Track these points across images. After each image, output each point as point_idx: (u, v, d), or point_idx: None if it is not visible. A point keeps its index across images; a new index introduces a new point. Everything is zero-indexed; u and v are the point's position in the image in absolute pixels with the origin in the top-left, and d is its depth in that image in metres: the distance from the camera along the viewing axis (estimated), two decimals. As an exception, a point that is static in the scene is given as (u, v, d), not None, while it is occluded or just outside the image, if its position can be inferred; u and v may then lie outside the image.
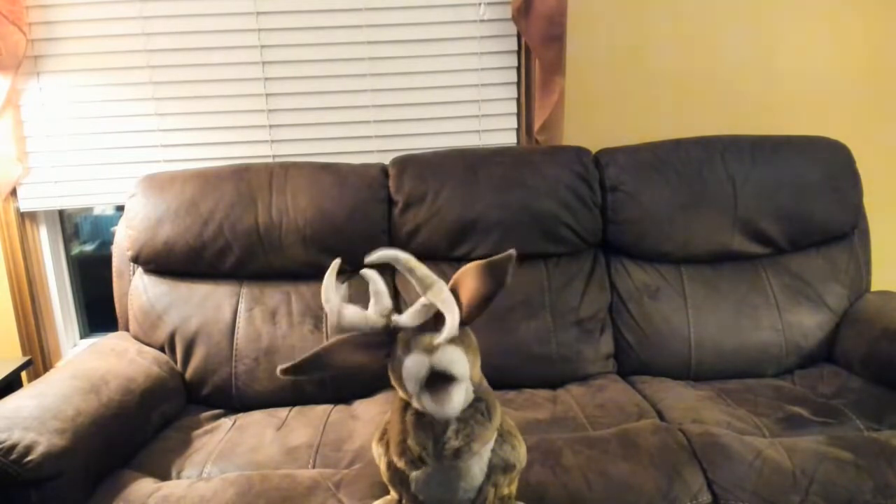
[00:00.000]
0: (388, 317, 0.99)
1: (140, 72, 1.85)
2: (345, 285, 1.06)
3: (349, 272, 1.30)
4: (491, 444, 1.00)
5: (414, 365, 0.91)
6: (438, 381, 0.91)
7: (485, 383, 1.04)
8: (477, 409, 0.98)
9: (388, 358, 1.00)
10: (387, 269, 1.64)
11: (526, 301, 1.66)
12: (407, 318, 0.98)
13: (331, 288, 1.02)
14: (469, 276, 0.99)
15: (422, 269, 1.02)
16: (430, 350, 0.91)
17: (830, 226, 1.74)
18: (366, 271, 1.03)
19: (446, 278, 1.01)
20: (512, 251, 0.97)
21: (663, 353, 1.67)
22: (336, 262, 1.07)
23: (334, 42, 1.87)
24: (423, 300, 0.98)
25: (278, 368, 1.00)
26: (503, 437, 1.03)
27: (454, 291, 1.00)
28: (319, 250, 1.66)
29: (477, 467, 0.99)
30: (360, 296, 1.08)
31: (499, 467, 1.01)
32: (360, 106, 1.92)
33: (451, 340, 0.94)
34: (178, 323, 1.63)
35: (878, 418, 1.36)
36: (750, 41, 1.96)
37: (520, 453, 1.04)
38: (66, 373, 1.37)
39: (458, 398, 0.92)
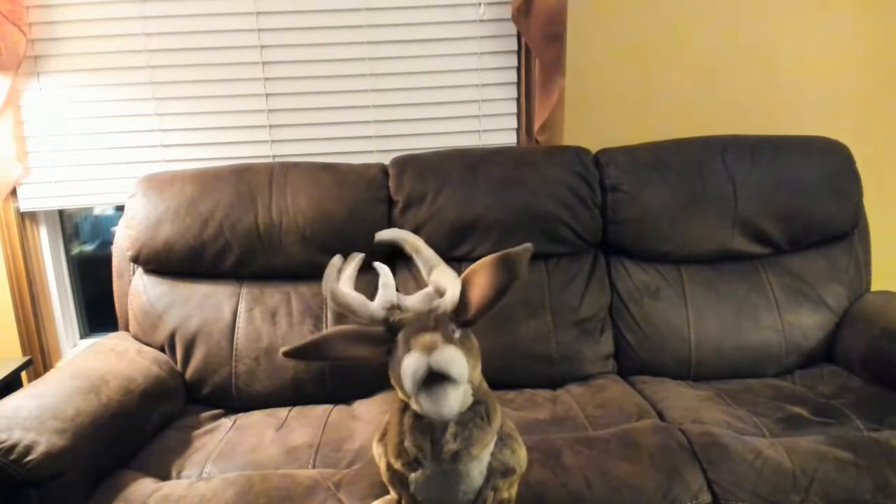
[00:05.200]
0: (389, 310, 0.99)
1: (140, 72, 1.85)
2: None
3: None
4: (490, 448, 1.00)
5: (412, 364, 0.91)
6: (436, 382, 0.91)
7: (485, 386, 1.04)
8: (476, 412, 0.98)
9: (388, 355, 1.00)
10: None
11: (526, 301, 1.66)
12: (412, 301, 0.98)
13: (334, 271, 1.03)
14: (482, 270, 0.99)
15: (428, 250, 1.03)
16: (429, 350, 0.91)
17: (830, 226, 1.74)
18: (377, 264, 1.04)
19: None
20: (529, 245, 0.97)
21: (663, 353, 1.67)
22: (361, 256, 1.08)
23: (334, 42, 1.87)
24: (428, 288, 0.99)
25: (281, 350, 1.02)
26: (503, 440, 1.02)
27: (465, 286, 0.99)
28: (319, 250, 1.65)
29: (476, 470, 0.99)
30: (365, 293, 1.09)
31: (498, 471, 1.00)
32: (360, 106, 1.92)
33: (451, 342, 0.94)
34: (178, 323, 1.63)
35: (878, 418, 1.36)
36: (750, 41, 1.96)
37: (520, 457, 1.04)
38: (65, 373, 1.37)
39: (455, 400, 0.92)
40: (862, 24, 1.96)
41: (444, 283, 0.98)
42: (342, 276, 1.04)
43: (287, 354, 1.02)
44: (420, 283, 1.22)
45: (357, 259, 1.08)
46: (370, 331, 1.01)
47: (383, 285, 1.01)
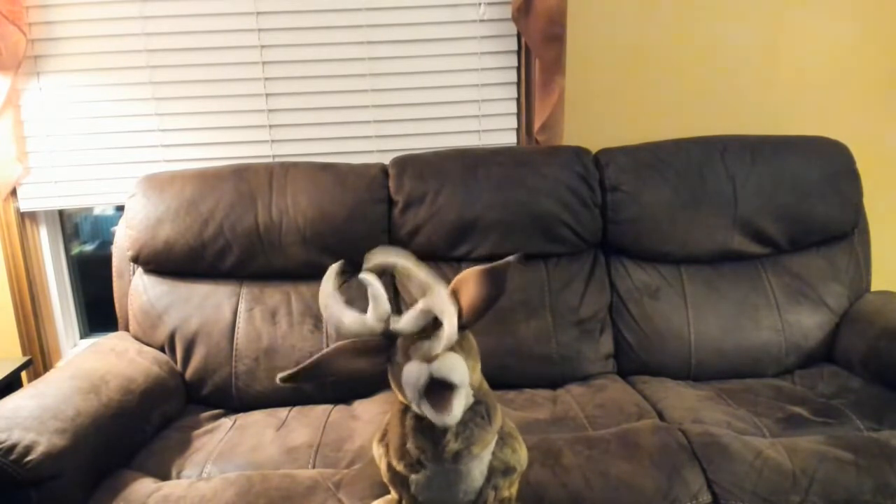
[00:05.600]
0: (386, 321, 0.99)
1: (140, 72, 1.85)
2: (342, 287, 1.06)
3: (350, 273, 1.29)
4: (491, 447, 1.00)
5: (413, 373, 0.90)
6: (438, 388, 0.90)
7: (485, 385, 1.04)
8: (477, 412, 0.98)
9: (388, 363, 1.00)
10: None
11: (526, 301, 1.66)
12: (405, 323, 0.98)
13: (329, 294, 1.02)
14: (470, 282, 0.99)
15: (420, 274, 1.02)
16: (430, 358, 0.91)
17: (830, 226, 1.74)
18: (363, 276, 1.02)
19: (446, 279, 1.01)
20: (511, 258, 0.97)
21: (663, 353, 1.67)
22: (334, 267, 1.06)
23: (334, 42, 1.87)
24: (421, 305, 0.98)
25: (278, 377, 0.98)
26: (503, 439, 1.02)
27: (454, 295, 0.99)
28: (319, 250, 1.66)
29: (477, 470, 0.99)
30: (360, 297, 1.08)
31: (499, 470, 1.00)
32: (360, 106, 1.92)
33: (451, 347, 0.94)
34: (178, 323, 1.63)
35: (878, 418, 1.36)
36: (750, 41, 1.96)
37: (520, 456, 1.04)
38: (65, 373, 1.37)
39: (459, 406, 0.92)
40: (862, 24, 1.96)
41: (438, 310, 0.95)
42: (335, 304, 1.02)
43: (285, 380, 0.98)
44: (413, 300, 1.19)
45: (334, 271, 1.05)
46: (368, 343, 1.00)
47: (373, 297, 0.99)
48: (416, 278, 1.02)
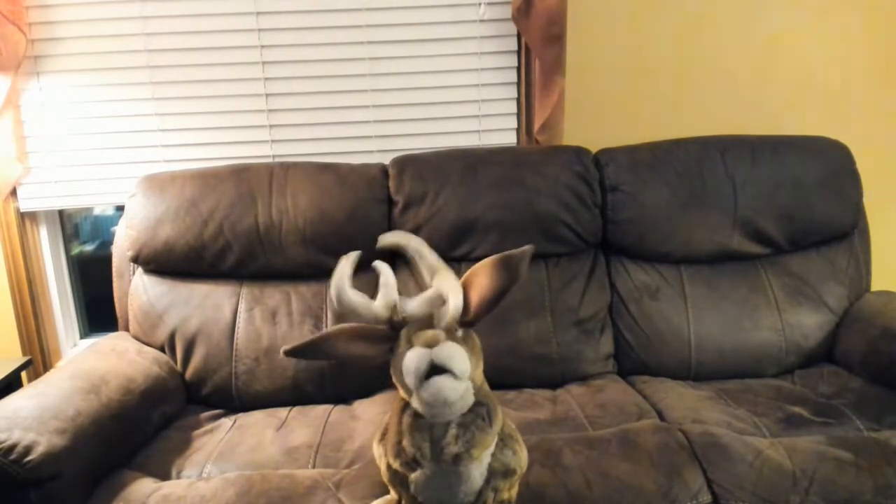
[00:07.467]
0: (392, 309, 1.00)
1: (140, 72, 1.85)
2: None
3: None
4: (491, 450, 1.00)
5: (415, 358, 0.91)
6: (438, 376, 0.92)
7: (486, 388, 1.04)
8: (478, 414, 0.98)
9: (391, 353, 1.00)
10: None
11: (526, 301, 1.66)
12: (413, 305, 0.99)
13: (345, 276, 1.04)
14: (482, 272, 1.00)
15: (431, 254, 1.04)
16: (432, 344, 0.92)
17: (830, 226, 1.74)
18: (377, 263, 1.05)
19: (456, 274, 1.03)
20: (530, 246, 0.99)
21: (663, 353, 1.67)
22: (354, 253, 1.09)
23: (334, 42, 1.87)
24: (430, 291, 0.99)
25: (282, 349, 1.02)
26: (504, 441, 1.02)
27: (465, 288, 1.01)
28: (319, 250, 1.66)
29: (477, 472, 0.99)
30: (365, 293, 1.09)
31: (499, 472, 1.00)
32: (360, 106, 1.92)
33: (454, 338, 0.94)
34: (178, 323, 1.63)
35: (878, 418, 1.36)
36: (750, 41, 1.96)
37: (520, 458, 1.04)
38: (65, 373, 1.37)
39: (455, 394, 0.93)
40: (862, 24, 1.96)
41: (445, 290, 0.98)
42: (342, 277, 1.05)
43: (288, 353, 1.02)
44: (420, 283, 1.23)
45: (353, 257, 1.08)
46: (373, 329, 1.02)
47: (384, 285, 1.01)
48: (427, 258, 1.03)
